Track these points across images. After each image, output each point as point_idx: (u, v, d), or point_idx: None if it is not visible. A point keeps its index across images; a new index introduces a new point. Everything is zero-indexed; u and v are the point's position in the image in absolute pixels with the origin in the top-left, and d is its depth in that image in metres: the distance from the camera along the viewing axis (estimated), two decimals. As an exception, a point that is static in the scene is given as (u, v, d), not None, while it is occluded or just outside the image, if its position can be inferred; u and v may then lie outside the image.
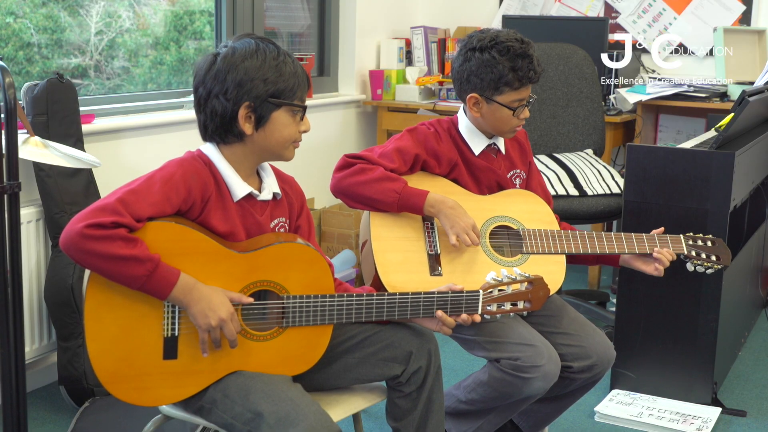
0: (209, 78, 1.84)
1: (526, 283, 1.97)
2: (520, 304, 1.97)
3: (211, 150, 1.90)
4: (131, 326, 1.78)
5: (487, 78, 2.23)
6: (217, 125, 1.85)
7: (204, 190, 1.83)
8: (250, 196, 1.90)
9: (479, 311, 1.95)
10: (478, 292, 1.95)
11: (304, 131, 1.92)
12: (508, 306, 1.96)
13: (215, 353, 1.82)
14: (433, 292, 1.94)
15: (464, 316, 1.94)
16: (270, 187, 1.95)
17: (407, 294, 1.92)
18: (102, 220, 1.68)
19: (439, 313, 1.93)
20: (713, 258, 2.34)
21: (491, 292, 1.95)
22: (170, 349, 1.80)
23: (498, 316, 1.96)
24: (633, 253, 2.30)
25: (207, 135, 1.90)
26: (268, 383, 1.80)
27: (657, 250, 2.28)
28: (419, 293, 1.93)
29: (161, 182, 1.78)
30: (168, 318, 1.79)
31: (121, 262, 1.69)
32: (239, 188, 1.88)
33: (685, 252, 2.32)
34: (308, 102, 1.94)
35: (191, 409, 1.87)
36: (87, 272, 1.77)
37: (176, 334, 1.80)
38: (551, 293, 2.24)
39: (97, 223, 1.68)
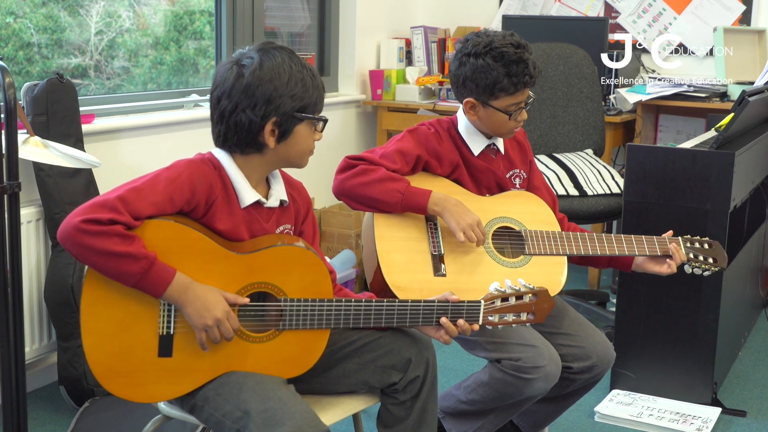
0: (236, 91, 1.83)
1: (530, 294, 1.95)
2: (523, 316, 1.95)
3: (222, 155, 1.90)
4: (127, 323, 1.78)
5: (482, 83, 2.22)
6: (241, 137, 1.85)
7: (209, 192, 1.83)
8: (257, 203, 1.90)
9: (480, 321, 1.94)
10: (479, 302, 1.93)
11: (317, 140, 1.94)
12: (510, 317, 1.94)
13: (210, 353, 1.82)
14: (433, 301, 1.93)
15: (461, 321, 1.92)
16: (278, 194, 1.95)
17: (407, 302, 1.91)
18: (99, 216, 1.69)
19: (444, 319, 1.92)
20: (710, 260, 2.34)
21: (493, 302, 1.94)
22: (165, 347, 1.80)
23: (499, 327, 1.95)
24: (633, 254, 2.29)
25: (225, 145, 1.89)
26: (259, 382, 1.80)
27: (672, 246, 2.28)
28: (419, 301, 1.92)
29: (166, 182, 1.78)
30: (164, 316, 1.80)
31: (115, 259, 1.69)
32: (248, 195, 1.88)
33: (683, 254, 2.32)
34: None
35: (186, 407, 1.87)
36: (86, 268, 1.78)
37: (171, 332, 1.80)
38: (553, 294, 2.24)
39: (94, 218, 1.68)
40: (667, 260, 2.29)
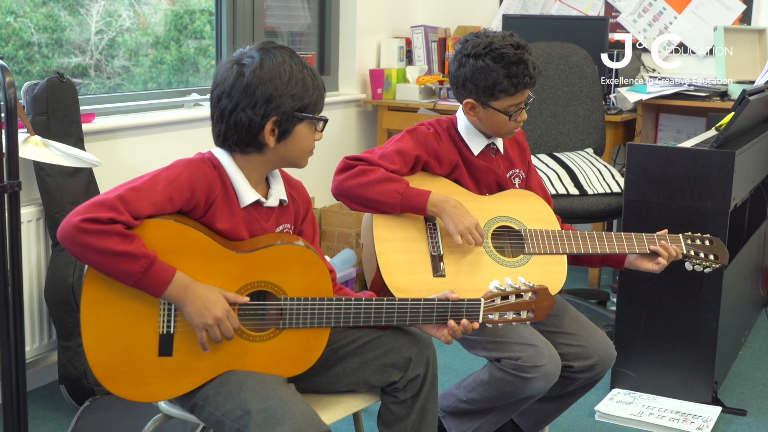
0: (237, 91, 1.83)
1: (530, 292, 1.95)
2: (523, 314, 1.95)
3: (222, 154, 1.90)
4: (127, 322, 1.79)
5: (482, 84, 2.22)
6: (241, 137, 1.86)
7: (209, 192, 1.83)
8: (257, 203, 1.90)
9: (480, 319, 1.94)
10: (479, 300, 1.93)
11: (318, 140, 1.94)
12: (510, 315, 1.94)
13: (211, 352, 1.82)
14: (433, 299, 1.93)
15: (464, 321, 1.92)
16: (277, 194, 1.95)
17: (407, 300, 1.91)
18: (99, 215, 1.69)
19: (452, 321, 1.91)
20: (711, 257, 2.34)
21: (493, 300, 1.94)
22: (165, 346, 1.80)
23: (500, 325, 1.95)
24: (633, 252, 2.29)
25: (225, 144, 1.89)
26: (259, 381, 1.81)
27: (662, 244, 2.27)
28: (419, 300, 1.92)
29: (166, 182, 1.78)
30: (164, 315, 1.80)
31: (115, 258, 1.69)
32: (248, 195, 1.88)
33: (684, 251, 2.32)
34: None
35: (187, 406, 1.87)
36: (86, 267, 1.78)
37: (172, 331, 1.80)
38: (553, 294, 2.24)
39: (93, 217, 1.69)
40: (657, 258, 2.29)
